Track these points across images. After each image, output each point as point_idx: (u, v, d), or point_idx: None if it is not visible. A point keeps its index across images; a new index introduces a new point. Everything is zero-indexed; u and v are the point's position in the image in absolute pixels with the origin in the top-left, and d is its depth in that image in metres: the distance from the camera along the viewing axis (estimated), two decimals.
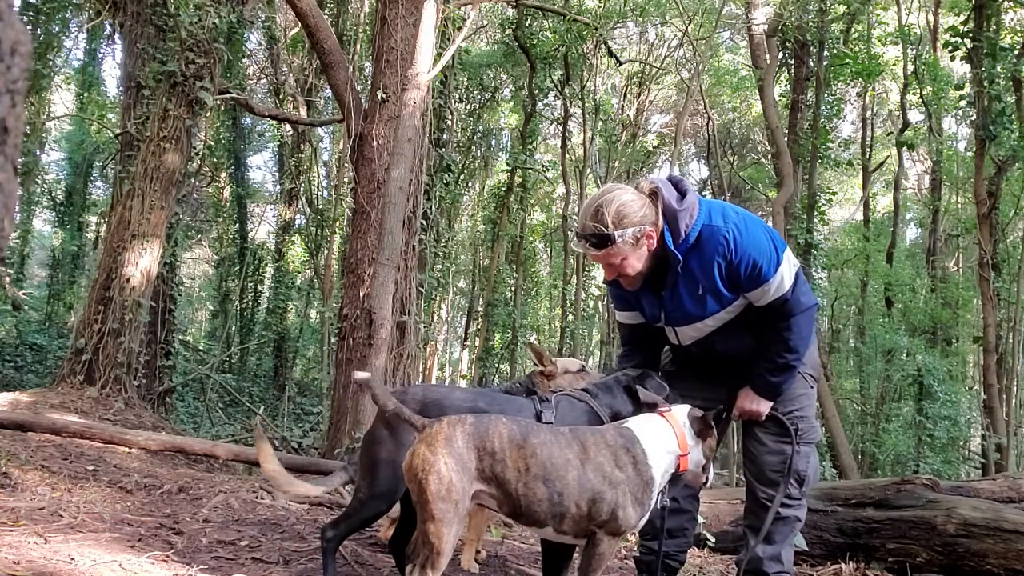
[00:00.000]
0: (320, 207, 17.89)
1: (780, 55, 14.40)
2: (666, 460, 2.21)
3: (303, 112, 15.98)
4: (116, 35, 13.25)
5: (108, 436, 5.71)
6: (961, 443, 15.88)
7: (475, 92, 18.11)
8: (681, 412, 2.32)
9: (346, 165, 11.59)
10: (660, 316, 2.62)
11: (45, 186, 18.77)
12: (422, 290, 8.75)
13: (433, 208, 9.49)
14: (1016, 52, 10.83)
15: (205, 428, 11.87)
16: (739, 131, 22.32)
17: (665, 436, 2.23)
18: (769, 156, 16.77)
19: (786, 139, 13.28)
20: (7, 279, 13.89)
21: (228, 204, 19.04)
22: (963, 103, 12.90)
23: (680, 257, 2.44)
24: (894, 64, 16.22)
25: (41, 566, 2.31)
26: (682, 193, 2.48)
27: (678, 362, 2.73)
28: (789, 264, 2.46)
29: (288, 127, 17.14)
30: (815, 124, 13.82)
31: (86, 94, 17.84)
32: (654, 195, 2.45)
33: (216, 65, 8.40)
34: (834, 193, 16.42)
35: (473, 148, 19.41)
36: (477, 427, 2.06)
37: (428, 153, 7.89)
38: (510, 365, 18.13)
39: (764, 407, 2.63)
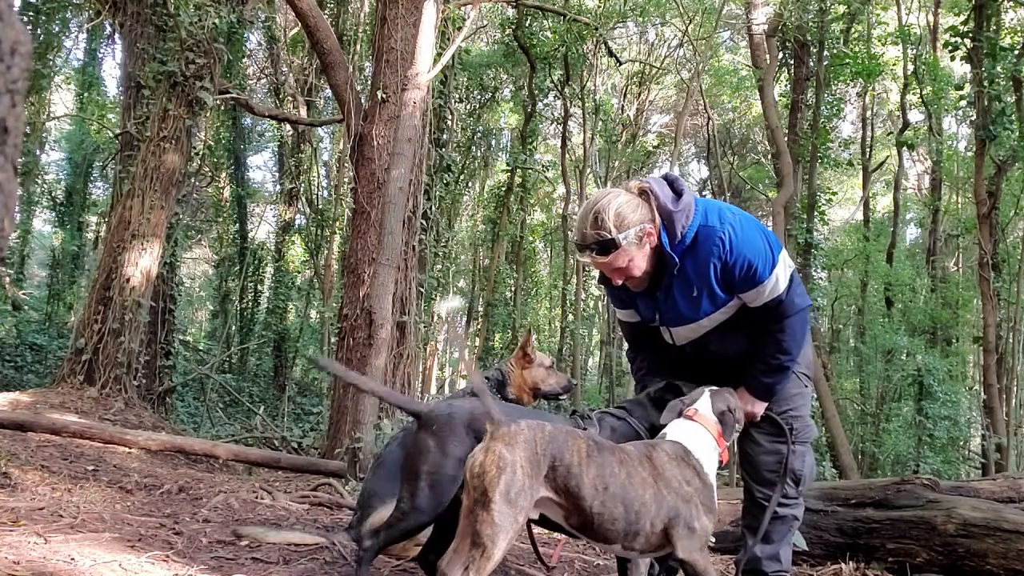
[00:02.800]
0: (320, 207, 17.91)
1: (780, 55, 14.40)
2: (713, 459, 2.27)
3: (303, 112, 15.98)
4: (116, 35, 13.26)
5: (108, 436, 5.72)
6: (961, 443, 15.89)
7: (475, 92, 18.13)
8: (706, 407, 2.36)
9: (346, 165, 11.59)
10: (655, 317, 2.63)
11: (45, 186, 18.78)
12: (422, 290, 8.75)
13: (433, 208, 9.49)
14: (1016, 52, 10.83)
15: (205, 428, 11.86)
16: (739, 131, 22.32)
17: (705, 438, 2.28)
18: (769, 156, 16.78)
19: (786, 139, 13.28)
20: (7, 279, 13.89)
21: (228, 204, 19.05)
22: (963, 103, 12.91)
23: (677, 259, 2.43)
24: (894, 64, 16.23)
25: (41, 566, 2.31)
26: (678, 193, 2.47)
27: (673, 363, 2.74)
28: (784, 266, 2.46)
29: (288, 127, 17.16)
30: (815, 124, 13.83)
31: (86, 94, 17.86)
32: (644, 194, 2.45)
33: (216, 65, 8.40)
34: (834, 193, 16.44)
35: (473, 148, 19.42)
36: (556, 437, 2.00)
37: (428, 153, 7.89)
38: None
39: (759, 408, 2.64)
